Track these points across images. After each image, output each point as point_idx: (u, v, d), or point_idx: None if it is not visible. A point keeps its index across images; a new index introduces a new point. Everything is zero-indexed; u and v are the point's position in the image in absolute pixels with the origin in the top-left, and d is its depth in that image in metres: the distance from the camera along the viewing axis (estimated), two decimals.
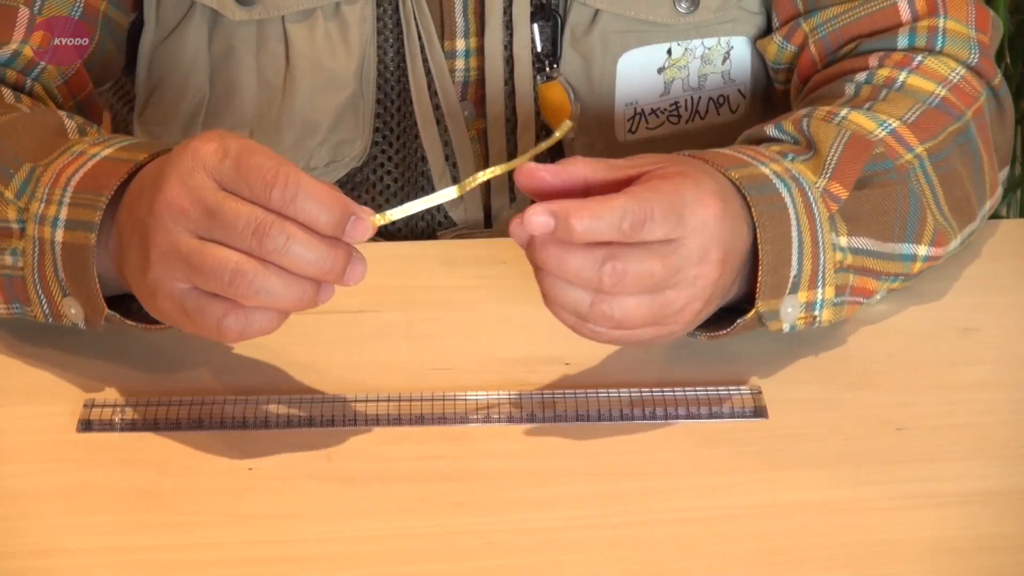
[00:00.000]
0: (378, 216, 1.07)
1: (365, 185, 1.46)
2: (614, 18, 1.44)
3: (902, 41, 1.39)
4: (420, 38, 1.42)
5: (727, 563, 1.03)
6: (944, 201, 1.27)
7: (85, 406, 1.17)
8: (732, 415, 1.16)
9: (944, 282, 1.32)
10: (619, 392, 1.18)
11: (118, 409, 1.17)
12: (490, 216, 1.47)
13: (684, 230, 1.08)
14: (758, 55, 1.50)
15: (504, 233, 1.45)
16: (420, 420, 1.16)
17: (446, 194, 1.10)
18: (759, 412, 1.17)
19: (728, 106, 1.50)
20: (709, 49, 1.47)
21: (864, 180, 1.23)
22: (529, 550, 1.03)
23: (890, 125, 1.28)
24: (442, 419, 1.16)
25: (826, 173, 1.22)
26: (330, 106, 1.42)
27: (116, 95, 1.52)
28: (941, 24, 1.39)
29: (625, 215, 1.05)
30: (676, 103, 1.48)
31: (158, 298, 1.09)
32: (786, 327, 1.18)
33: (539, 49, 1.44)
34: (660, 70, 1.46)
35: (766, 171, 1.18)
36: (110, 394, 1.19)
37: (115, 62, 1.45)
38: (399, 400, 1.18)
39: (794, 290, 1.17)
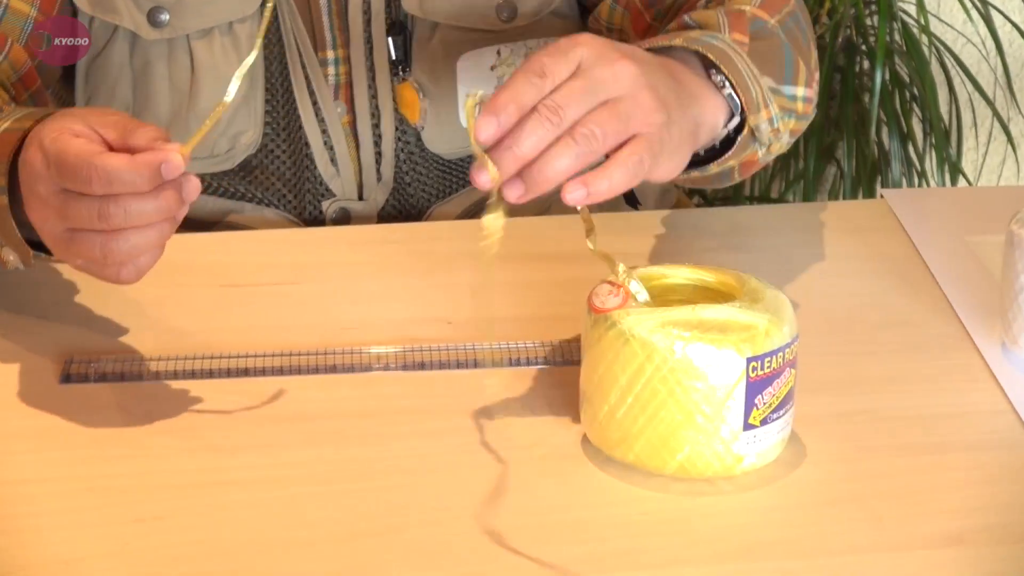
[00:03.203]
0: (183, 147, 1.03)
1: (260, 167, 1.45)
2: (449, 29, 1.43)
3: None
4: (298, 50, 1.40)
5: (577, 483, 1.03)
6: (798, 55, 1.28)
7: (65, 362, 1.15)
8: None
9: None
10: (493, 345, 1.17)
11: (92, 364, 1.15)
12: (362, 189, 1.46)
13: (577, 52, 1.03)
14: None
15: (374, 207, 1.46)
16: (333, 369, 1.15)
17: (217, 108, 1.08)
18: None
19: None
20: (531, 48, 1.46)
21: (752, 34, 1.23)
22: (419, 471, 1.03)
23: (746, 8, 1.27)
24: (350, 368, 1.15)
25: (724, 30, 1.22)
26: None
27: (56, 102, 1.50)
28: None
29: (527, 79, 1.00)
30: None
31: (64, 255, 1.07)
32: (765, 140, 1.18)
33: (394, 57, 1.42)
34: (492, 67, 1.45)
35: (692, 34, 1.17)
36: (85, 353, 1.17)
37: (54, 70, 1.43)
38: (315, 354, 1.16)
39: (757, 110, 1.17)
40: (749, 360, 0.98)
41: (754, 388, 0.99)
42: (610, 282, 1.03)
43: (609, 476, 1.02)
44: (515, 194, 0.99)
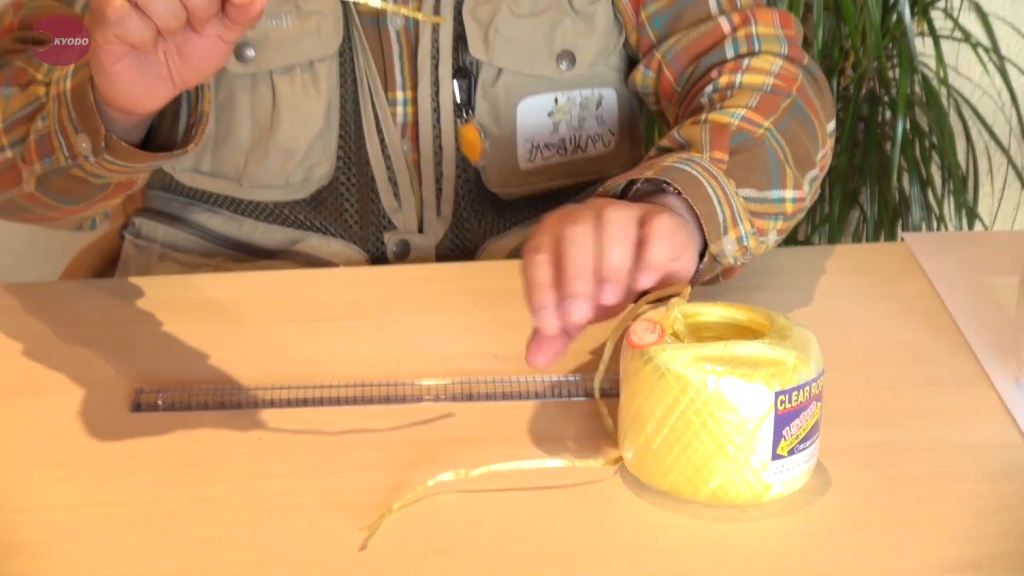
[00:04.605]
0: None
1: (331, 198, 1.45)
2: (513, 74, 1.44)
3: (729, 51, 1.40)
4: (369, 90, 1.41)
5: (615, 508, 1.02)
6: (792, 158, 1.28)
7: (135, 392, 1.16)
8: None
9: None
10: (534, 378, 1.17)
11: (162, 394, 1.15)
12: (423, 224, 1.47)
13: (552, 223, 1.08)
14: (624, 102, 1.51)
15: (432, 240, 1.47)
16: (387, 400, 1.15)
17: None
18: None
19: (602, 141, 1.50)
20: (585, 98, 1.47)
21: (734, 149, 1.24)
22: (466, 495, 1.03)
23: (740, 113, 1.29)
24: (403, 399, 1.15)
25: (705, 149, 1.22)
26: (304, 137, 1.41)
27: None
28: (754, 31, 1.41)
29: (533, 263, 1.06)
30: (563, 139, 1.48)
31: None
32: (731, 260, 1.17)
33: (458, 100, 1.43)
34: (550, 114, 1.46)
35: (667, 163, 1.18)
36: (154, 383, 1.17)
37: None
38: (371, 385, 1.16)
39: (726, 231, 1.16)
40: (778, 394, 0.98)
41: (782, 420, 0.98)
42: (647, 319, 1.03)
43: (645, 502, 1.02)
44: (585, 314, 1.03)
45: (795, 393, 0.99)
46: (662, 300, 1.06)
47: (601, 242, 1.04)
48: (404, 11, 1.07)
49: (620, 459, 1.05)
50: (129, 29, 1.01)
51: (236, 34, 1.05)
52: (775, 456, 0.99)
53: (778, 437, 0.99)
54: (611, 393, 1.14)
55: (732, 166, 1.22)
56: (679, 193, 1.15)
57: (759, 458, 0.99)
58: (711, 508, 1.01)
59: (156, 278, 1.39)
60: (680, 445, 0.99)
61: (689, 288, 1.06)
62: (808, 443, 1.01)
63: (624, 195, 1.20)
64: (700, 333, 1.05)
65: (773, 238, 1.24)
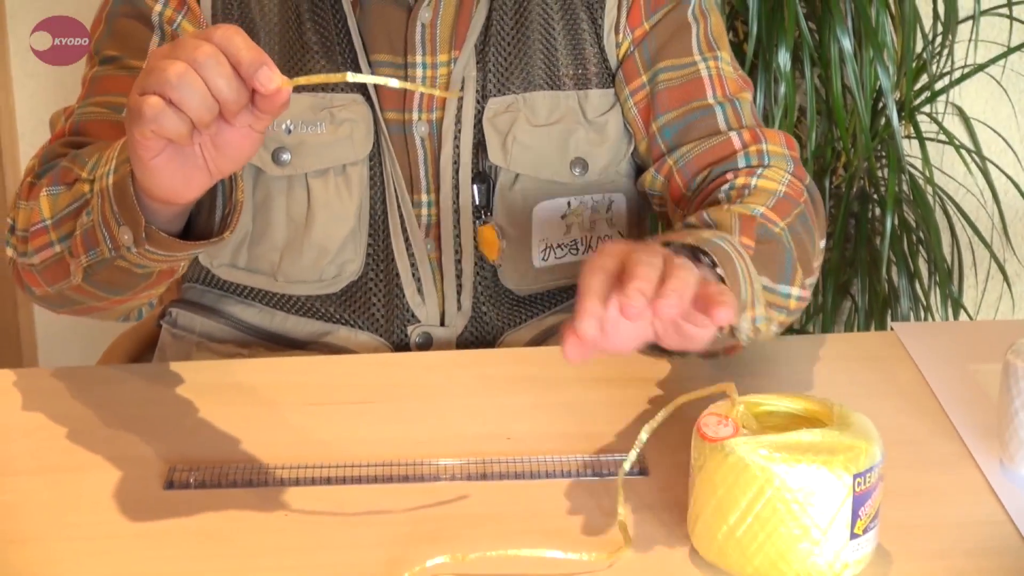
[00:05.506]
0: (286, 79, 1.01)
1: (359, 293, 1.45)
2: (530, 179, 1.44)
3: (741, 162, 1.41)
4: (396, 192, 1.41)
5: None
6: (798, 259, 1.29)
7: (169, 470, 1.16)
8: (627, 473, 1.14)
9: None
10: (546, 458, 1.17)
11: (193, 473, 1.15)
12: (444, 317, 1.46)
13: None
14: (632, 206, 1.51)
15: (454, 333, 1.46)
16: (405, 479, 1.15)
17: (336, 76, 1.02)
18: (643, 471, 1.15)
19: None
20: (596, 202, 1.48)
21: (758, 238, 1.25)
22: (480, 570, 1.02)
23: (759, 210, 1.31)
24: (421, 478, 1.15)
25: (735, 233, 1.24)
26: (337, 236, 1.42)
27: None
28: (764, 148, 1.42)
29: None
30: (575, 239, 1.48)
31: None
32: (743, 337, 1.17)
33: (478, 203, 1.43)
34: (563, 216, 1.46)
35: (704, 235, 1.18)
36: (187, 462, 1.17)
37: None
38: (391, 465, 1.16)
39: (744, 309, 1.16)
40: (855, 476, 0.98)
41: (859, 501, 0.99)
42: (715, 413, 1.03)
43: None
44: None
45: (868, 475, 0.99)
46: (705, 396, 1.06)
47: (666, 271, 1.01)
48: (421, 88, 1.08)
49: (621, 549, 1.04)
50: (165, 124, 1.02)
51: (265, 123, 1.05)
52: (852, 535, 0.99)
53: (855, 517, 0.99)
54: (633, 472, 1.14)
55: (756, 253, 1.24)
56: (713, 265, 1.16)
57: (840, 539, 0.99)
58: None
59: (189, 363, 1.39)
60: (765, 532, 0.99)
61: (733, 385, 1.05)
62: (876, 521, 1.01)
63: None
64: (763, 422, 1.05)
65: (775, 329, 1.25)
